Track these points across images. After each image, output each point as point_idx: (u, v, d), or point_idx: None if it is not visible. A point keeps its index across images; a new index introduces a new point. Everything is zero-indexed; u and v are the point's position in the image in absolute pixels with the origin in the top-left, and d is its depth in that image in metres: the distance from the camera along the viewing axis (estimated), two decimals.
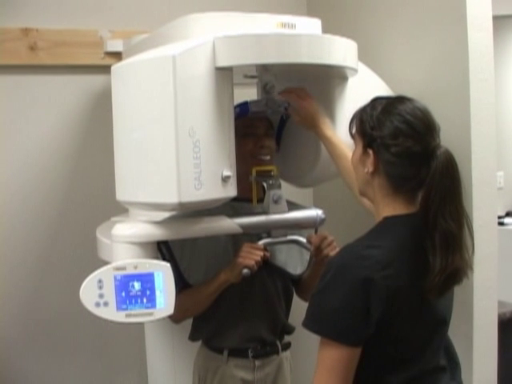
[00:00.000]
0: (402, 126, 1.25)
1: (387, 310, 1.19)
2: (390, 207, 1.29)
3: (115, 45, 2.14)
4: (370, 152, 1.28)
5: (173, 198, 1.35)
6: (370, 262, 1.18)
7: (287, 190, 1.67)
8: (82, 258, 2.10)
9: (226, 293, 1.65)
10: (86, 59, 2.14)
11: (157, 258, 1.49)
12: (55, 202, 2.18)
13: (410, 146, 1.24)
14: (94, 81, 2.18)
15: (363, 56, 1.66)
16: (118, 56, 2.11)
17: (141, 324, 1.96)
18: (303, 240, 1.67)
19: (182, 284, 1.64)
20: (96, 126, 2.18)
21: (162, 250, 1.63)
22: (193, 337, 1.81)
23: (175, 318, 1.64)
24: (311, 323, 1.23)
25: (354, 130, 1.37)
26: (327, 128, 1.61)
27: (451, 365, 1.38)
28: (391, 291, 1.19)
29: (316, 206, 1.79)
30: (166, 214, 1.46)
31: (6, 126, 2.10)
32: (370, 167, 1.29)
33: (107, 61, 2.12)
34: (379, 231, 1.29)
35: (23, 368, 2.16)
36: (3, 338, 2.12)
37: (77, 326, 2.17)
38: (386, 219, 1.29)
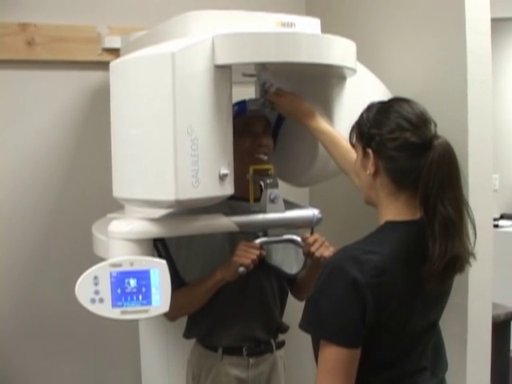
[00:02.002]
0: (398, 120, 1.25)
1: (379, 315, 1.18)
2: (393, 207, 1.28)
3: (113, 41, 2.13)
4: (370, 152, 1.28)
5: (170, 196, 1.34)
6: (367, 267, 1.18)
7: (283, 189, 1.67)
8: (77, 254, 2.09)
9: (222, 291, 1.65)
10: (84, 55, 2.14)
11: (153, 255, 1.48)
12: (51, 198, 2.17)
13: (407, 138, 1.24)
14: (92, 77, 2.18)
15: (361, 56, 1.65)
16: (115, 52, 2.11)
17: (135, 321, 1.96)
18: (299, 239, 1.67)
19: (178, 282, 1.64)
20: (93, 122, 2.17)
21: (159, 247, 1.63)
22: (187, 334, 1.81)
23: (170, 315, 1.63)
24: (307, 325, 1.23)
25: (354, 140, 1.37)
26: (313, 120, 1.58)
27: (437, 364, 1.38)
28: (384, 297, 1.18)
29: (312, 205, 1.79)
30: (162, 212, 1.46)
31: (2, 120, 2.09)
32: (371, 168, 1.29)
33: (105, 57, 2.12)
34: (380, 236, 1.28)
35: (17, 363, 2.15)
36: None
37: (72, 322, 2.16)
38: (387, 224, 1.28)
